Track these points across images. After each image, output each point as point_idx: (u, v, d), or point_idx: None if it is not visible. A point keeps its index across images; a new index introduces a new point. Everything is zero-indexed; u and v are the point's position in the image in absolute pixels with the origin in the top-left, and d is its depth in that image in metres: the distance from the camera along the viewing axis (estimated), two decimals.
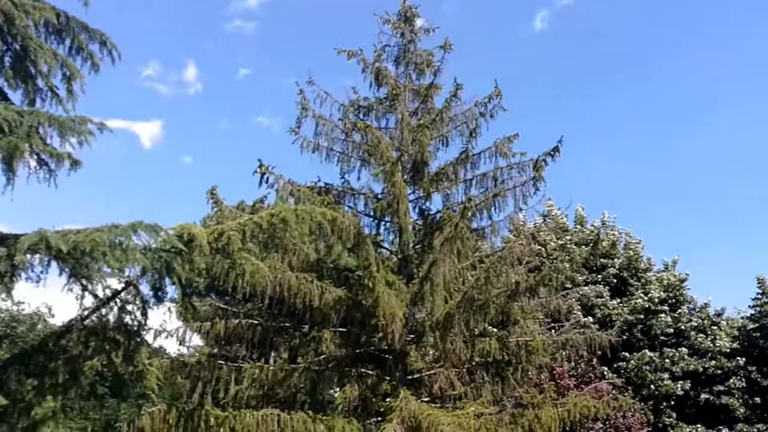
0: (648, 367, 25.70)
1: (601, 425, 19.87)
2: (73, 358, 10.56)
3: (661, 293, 27.49)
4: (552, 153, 16.96)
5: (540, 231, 27.46)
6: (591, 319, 24.60)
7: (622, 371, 25.38)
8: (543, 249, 25.58)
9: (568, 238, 27.55)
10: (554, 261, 16.59)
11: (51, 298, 32.98)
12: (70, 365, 10.55)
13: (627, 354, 25.85)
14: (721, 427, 26.18)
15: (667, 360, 26.14)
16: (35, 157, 10.66)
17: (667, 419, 25.78)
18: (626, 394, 19.10)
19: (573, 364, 20.51)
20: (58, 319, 30.77)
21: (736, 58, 67.48)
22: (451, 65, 18.63)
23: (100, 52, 11.84)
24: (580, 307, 24.92)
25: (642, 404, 23.61)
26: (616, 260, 27.97)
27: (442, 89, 18.45)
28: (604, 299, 26.33)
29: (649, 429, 23.18)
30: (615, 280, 27.66)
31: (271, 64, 78.64)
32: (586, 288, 25.66)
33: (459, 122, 18.07)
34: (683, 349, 26.47)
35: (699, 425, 25.96)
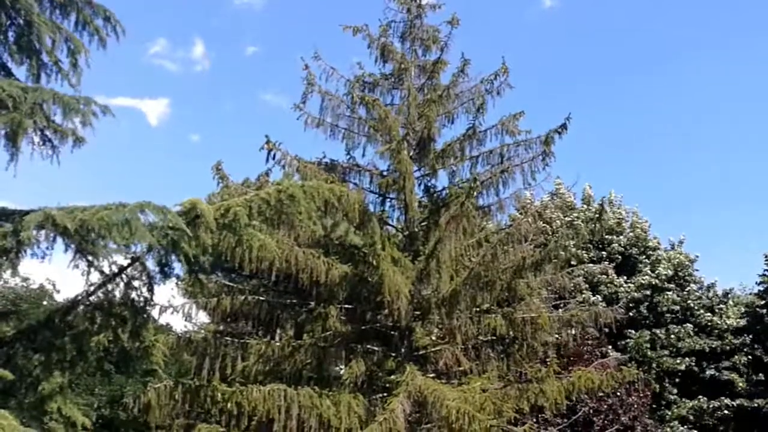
0: (648, 345, 25.76)
1: (606, 399, 19.86)
2: (79, 333, 10.57)
3: (669, 271, 27.52)
4: (560, 130, 16.82)
5: (546, 209, 27.40)
6: (599, 297, 24.59)
7: (628, 348, 25.43)
8: (549, 227, 25.51)
9: (575, 215, 27.51)
10: (559, 237, 16.46)
11: (54, 273, 33.14)
12: (76, 341, 10.57)
13: (632, 331, 25.91)
14: (722, 398, 26.35)
15: (672, 336, 26.19)
16: (39, 133, 10.63)
17: (670, 395, 25.90)
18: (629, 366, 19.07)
19: (579, 341, 20.48)
20: (63, 296, 30.92)
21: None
22: (458, 41, 18.44)
23: (105, 28, 11.74)
24: (587, 285, 24.93)
25: (645, 376, 23.61)
26: (622, 237, 27.98)
27: (449, 65, 18.26)
28: (610, 277, 26.33)
29: (654, 405, 23.23)
30: (619, 257, 27.68)
31: (279, 42, 77.89)
32: (591, 265, 25.63)
33: (465, 99, 17.90)
34: (688, 325, 26.52)
35: (701, 397, 26.14)
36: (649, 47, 72.91)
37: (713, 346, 26.92)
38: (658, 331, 26.08)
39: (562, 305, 17.67)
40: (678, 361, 25.82)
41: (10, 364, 10.22)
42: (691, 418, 25.81)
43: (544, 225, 24.79)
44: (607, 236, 27.62)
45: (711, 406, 26.11)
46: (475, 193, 16.00)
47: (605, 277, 26.31)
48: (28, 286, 30.71)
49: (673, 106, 69.69)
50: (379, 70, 18.46)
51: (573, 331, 17.17)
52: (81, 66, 11.44)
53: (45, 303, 29.10)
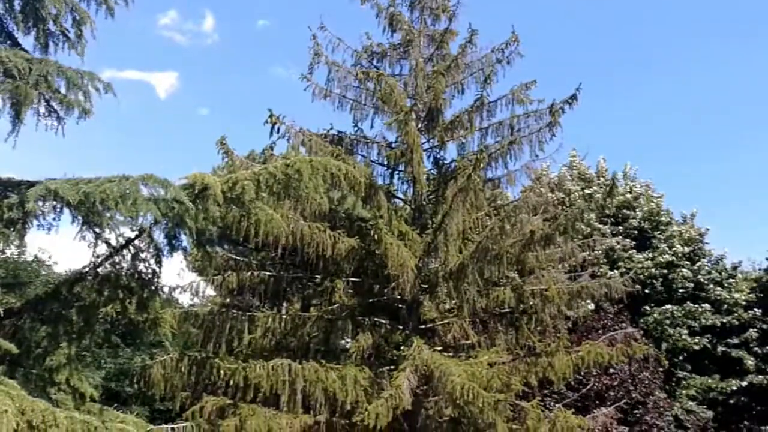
0: (668, 322, 25.66)
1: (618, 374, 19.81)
2: (86, 305, 10.53)
3: (686, 248, 27.39)
4: (570, 101, 16.60)
5: (565, 180, 27.25)
6: (616, 273, 24.45)
7: (647, 324, 25.31)
8: (567, 198, 25.19)
9: (594, 189, 27.24)
10: (570, 209, 16.27)
11: (48, 243, 33.12)
12: (83, 312, 10.53)
13: (647, 308, 25.82)
14: (733, 375, 26.34)
15: (687, 315, 26.08)
16: (44, 104, 10.48)
17: (681, 372, 25.89)
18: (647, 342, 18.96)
19: (596, 316, 20.36)
20: (62, 267, 30.87)
21: None
22: (468, 10, 18.16)
23: None
24: (605, 260, 24.75)
25: (657, 352, 23.57)
26: (638, 212, 27.79)
27: (458, 35, 18.00)
28: (629, 253, 26.14)
29: (664, 381, 23.19)
30: (636, 232, 27.51)
31: (289, 16, 77.06)
32: (611, 240, 25.44)
33: (475, 69, 17.65)
34: (706, 305, 26.41)
35: (713, 376, 26.13)
36: (664, 15, 71.80)
37: (723, 321, 26.83)
38: (673, 308, 25.96)
39: (574, 278, 17.47)
40: (696, 340, 25.77)
41: (17, 335, 10.20)
42: (701, 394, 25.78)
43: (563, 196, 24.59)
44: (624, 211, 27.44)
45: (721, 383, 26.09)
46: (482, 165, 15.83)
47: (624, 253, 26.11)
48: (23, 258, 30.56)
49: (685, 82, 68.79)
50: (388, 40, 18.27)
51: (591, 306, 17.00)
52: (86, 37, 11.26)
53: (43, 273, 29.07)
